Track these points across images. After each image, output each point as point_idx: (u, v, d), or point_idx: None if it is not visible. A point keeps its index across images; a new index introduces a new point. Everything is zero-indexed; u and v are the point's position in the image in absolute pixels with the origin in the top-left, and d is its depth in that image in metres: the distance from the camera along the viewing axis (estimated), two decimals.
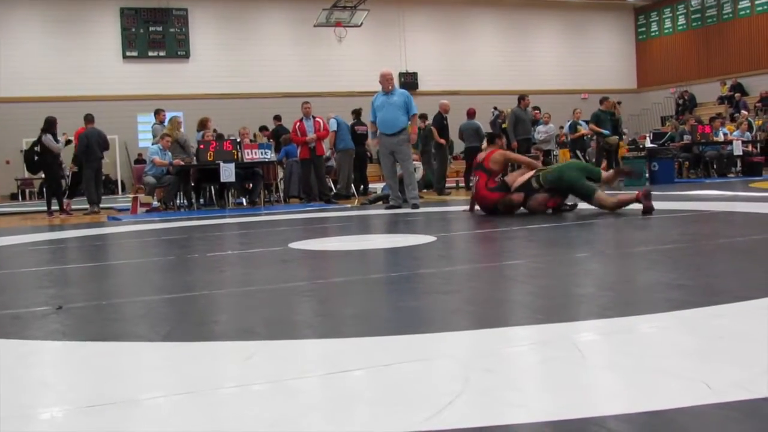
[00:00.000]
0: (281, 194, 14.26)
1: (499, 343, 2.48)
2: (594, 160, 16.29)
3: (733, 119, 22.30)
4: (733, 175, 16.27)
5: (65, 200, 13.17)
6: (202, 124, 13.48)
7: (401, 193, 10.61)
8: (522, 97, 15.16)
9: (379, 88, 10.55)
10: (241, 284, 4.16)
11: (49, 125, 12.59)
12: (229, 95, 25.80)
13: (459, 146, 16.28)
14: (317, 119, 13.11)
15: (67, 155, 13.78)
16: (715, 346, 2.29)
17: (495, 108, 16.86)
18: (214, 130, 14.01)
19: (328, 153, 14.04)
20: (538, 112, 16.26)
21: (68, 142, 13.30)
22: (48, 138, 12.50)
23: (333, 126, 13.83)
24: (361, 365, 2.26)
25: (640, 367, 2.10)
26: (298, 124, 13.02)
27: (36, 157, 12.80)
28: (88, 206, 12.97)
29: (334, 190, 13.98)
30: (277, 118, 16.97)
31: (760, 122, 20.79)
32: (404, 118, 10.32)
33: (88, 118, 13.15)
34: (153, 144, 13.16)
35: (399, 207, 10.30)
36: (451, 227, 7.49)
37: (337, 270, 4.79)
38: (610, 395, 1.89)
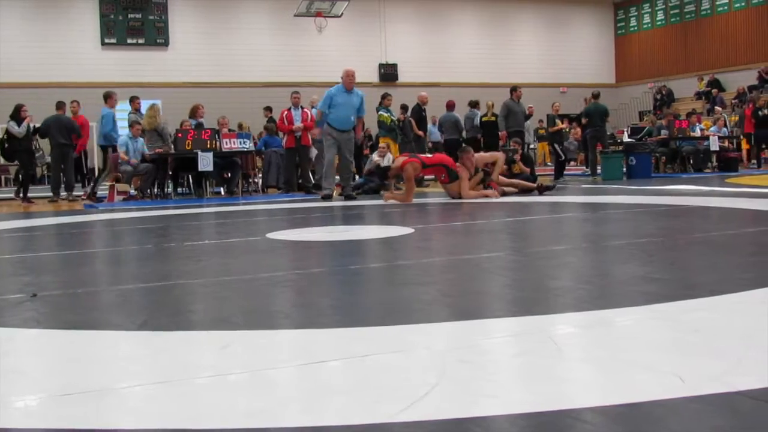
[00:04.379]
0: (259, 184, 14.22)
1: (476, 334, 2.49)
2: (570, 152, 16.46)
3: (709, 115, 22.45)
4: (709, 171, 16.39)
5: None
6: (193, 112, 13.49)
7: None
8: (514, 89, 14.87)
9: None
10: (218, 274, 4.14)
11: (15, 111, 12.55)
12: (207, 84, 25.60)
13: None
14: (305, 110, 13.26)
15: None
16: (690, 340, 2.31)
17: (472, 108, 16.59)
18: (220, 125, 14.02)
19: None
20: (532, 107, 16.15)
21: (36, 129, 13.10)
22: (11, 124, 12.49)
23: (316, 114, 13.82)
24: (337, 356, 2.26)
25: (615, 359, 2.12)
26: (285, 113, 13.19)
27: (6, 145, 12.75)
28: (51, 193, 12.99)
29: (313, 181, 13.96)
30: (268, 109, 16.95)
31: (736, 118, 20.93)
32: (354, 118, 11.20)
33: (58, 105, 13.13)
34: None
35: (331, 197, 10.88)
36: (428, 219, 7.51)
37: (315, 260, 4.78)
38: (585, 387, 1.90)
